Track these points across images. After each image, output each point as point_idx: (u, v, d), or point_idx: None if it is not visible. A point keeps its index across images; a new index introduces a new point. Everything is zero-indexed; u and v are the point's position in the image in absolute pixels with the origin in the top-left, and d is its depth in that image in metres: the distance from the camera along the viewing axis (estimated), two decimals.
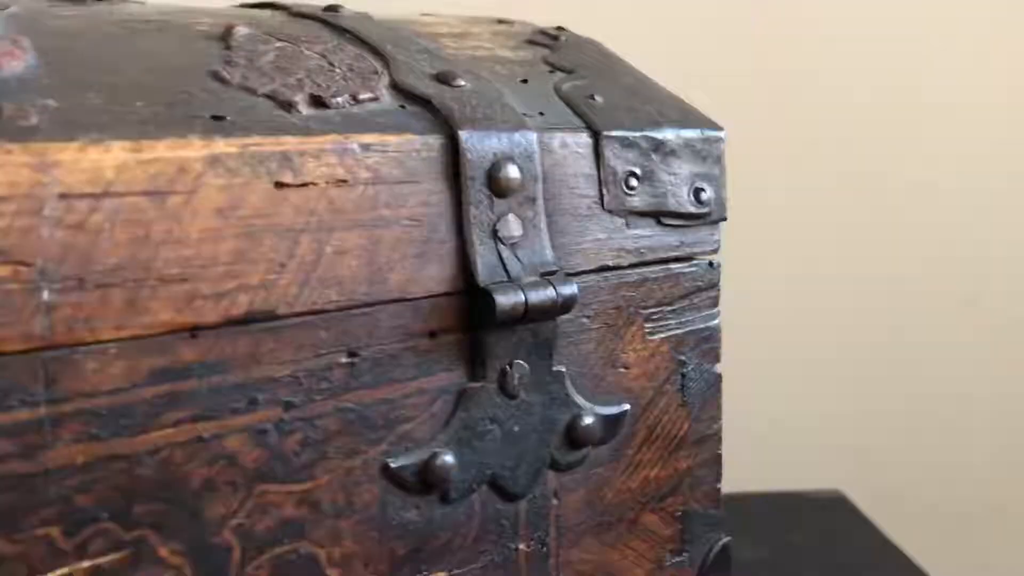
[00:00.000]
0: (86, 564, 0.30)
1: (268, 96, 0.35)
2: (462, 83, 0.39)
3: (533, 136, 0.38)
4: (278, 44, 0.39)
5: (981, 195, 1.00)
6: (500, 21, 0.52)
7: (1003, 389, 1.02)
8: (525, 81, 0.43)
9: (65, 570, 0.29)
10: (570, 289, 0.37)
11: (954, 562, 0.87)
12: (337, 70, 0.38)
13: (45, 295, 0.28)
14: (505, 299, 0.36)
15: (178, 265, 0.30)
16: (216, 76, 0.35)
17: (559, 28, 0.51)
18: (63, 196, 0.28)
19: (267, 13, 0.45)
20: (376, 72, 0.38)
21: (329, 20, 0.43)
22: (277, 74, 0.36)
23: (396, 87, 0.38)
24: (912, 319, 1.01)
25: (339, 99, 0.36)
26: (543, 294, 0.37)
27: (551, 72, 0.45)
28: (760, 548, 0.79)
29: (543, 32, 0.50)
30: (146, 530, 0.31)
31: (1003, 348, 1.02)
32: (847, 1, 0.96)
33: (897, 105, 0.98)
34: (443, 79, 0.39)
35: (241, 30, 0.39)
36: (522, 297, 0.36)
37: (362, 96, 0.36)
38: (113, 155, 0.29)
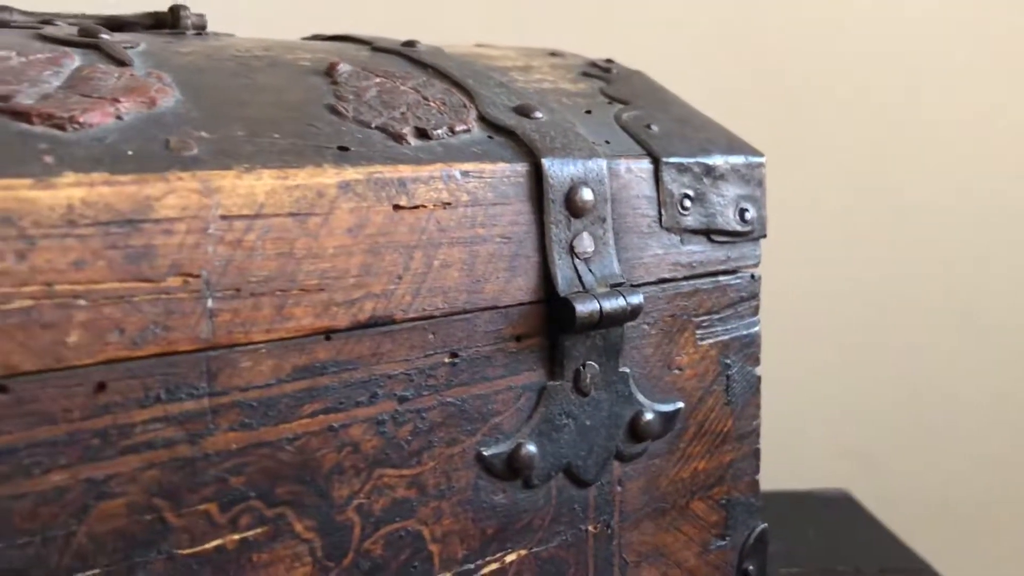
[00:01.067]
0: (236, 537, 0.34)
1: (380, 128, 0.39)
2: (539, 115, 0.44)
3: (604, 163, 0.43)
4: (377, 80, 0.43)
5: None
6: (553, 53, 0.57)
7: (1004, 390, 1.08)
8: (589, 112, 0.48)
9: (219, 541, 0.34)
10: (637, 299, 0.42)
11: (958, 559, 0.91)
12: (432, 104, 0.42)
13: (209, 303, 0.33)
14: (583, 307, 0.40)
15: (316, 277, 0.35)
16: (333, 110, 0.40)
17: (608, 60, 0.56)
18: (224, 217, 0.33)
19: (352, 47, 0.50)
20: (465, 106, 0.43)
21: (410, 55, 0.48)
22: (383, 108, 0.41)
23: (483, 119, 0.43)
24: (917, 322, 1.06)
25: (439, 131, 0.40)
26: (615, 303, 0.41)
27: (609, 103, 0.49)
28: (773, 543, 0.83)
29: (595, 64, 0.55)
30: (285, 508, 0.35)
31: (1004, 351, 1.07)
32: (873, 16, 1.01)
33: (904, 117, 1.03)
34: (523, 112, 0.44)
35: (343, 67, 0.43)
36: (597, 306, 0.41)
37: (458, 128, 0.41)
38: (263, 182, 0.34)
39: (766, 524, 0.52)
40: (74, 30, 0.42)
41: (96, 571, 0.31)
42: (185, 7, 0.50)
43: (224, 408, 0.33)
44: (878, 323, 1.06)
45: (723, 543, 0.50)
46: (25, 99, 0.33)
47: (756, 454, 0.51)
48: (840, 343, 1.06)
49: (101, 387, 0.31)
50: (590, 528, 0.44)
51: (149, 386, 0.32)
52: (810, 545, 0.85)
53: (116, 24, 0.48)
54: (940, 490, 1.07)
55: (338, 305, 0.36)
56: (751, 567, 0.51)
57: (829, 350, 1.06)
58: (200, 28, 0.50)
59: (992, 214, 1.06)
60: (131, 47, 0.40)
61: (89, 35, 0.41)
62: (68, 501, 0.31)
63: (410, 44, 0.50)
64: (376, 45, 0.50)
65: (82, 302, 0.30)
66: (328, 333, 0.36)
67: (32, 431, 0.30)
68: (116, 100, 0.34)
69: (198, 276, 0.32)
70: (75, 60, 0.37)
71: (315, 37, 0.58)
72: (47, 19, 0.47)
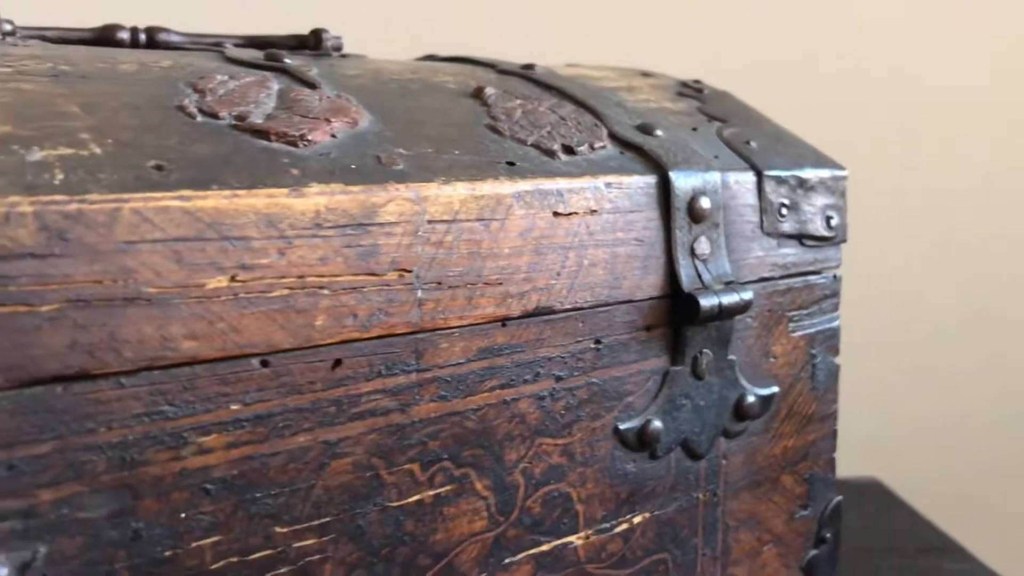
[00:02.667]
0: (431, 493, 0.40)
1: (534, 146, 0.45)
2: (660, 133, 0.50)
3: (718, 175, 0.49)
4: (518, 101, 0.49)
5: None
6: (645, 74, 0.63)
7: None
8: (695, 129, 0.54)
9: (419, 496, 0.40)
10: (748, 295, 0.49)
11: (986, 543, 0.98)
12: (569, 123, 0.48)
13: (419, 293, 0.39)
14: (706, 301, 0.47)
15: (496, 272, 0.41)
16: (493, 129, 0.46)
17: (696, 81, 0.63)
18: (430, 221, 0.39)
19: (479, 70, 0.56)
20: (596, 125, 0.49)
21: (532, 77, 0.54)
22: (532, 127, 0.47)
23: (613, 136, 0.49)
24: (936, 317, 1.13)
25: (582, 148, 0.46)
26: (732, 298, 0.48)
27: (709, 121, 0.56)
28: None
29: (686, 84, 0.61)
30: (469, 469, 0.41)
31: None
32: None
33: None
34: (645, 130, 0.50)
35: (490, 91, 0.49)
36: (717, 300, 0.47)
37: (596, 145, 0.47)
38: (458, 192, 0.40)
39: (841, 497, 0.58)
40: (258, 54, 0.48)
41: (328, 519, 0.37)
42: (325, 30, 0.56)
43: (427, 382, 0.39)
44: (905, 320, 1.12)
45: (805, 513, 0.56)
46: (256, 118, 0.39)
47: (834, 435, 0.57)
48: (870, 341, 1.12)
49: (338, 363, 0.37)
50: (700, 496, 0.50)
51: (373, 363, 0.38)
52: (847, 528, 0.91)
53: (266, 44, 0.54)
54: (962, 479, 1.14)
55: (512, 297, 0.42)
56: (828, 534, 0.57)
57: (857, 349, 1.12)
58: (337, 49, 0.56)
59: (1005, 206, 1.12)
60: (307, 70, 0.46)
61: (274, 59, 0.47)
62: (310, 459, 0.37)
63: (529, 67, 0.56)
64: (500, 68, 0.56)
65: (326, 292, 0.36)
66: (504, 321, 0.42)
67: (285, 399, 0.36)
68: (328, 120, 0.41)
69: (411, 271, 0.38)
70: (275, 83, 0.43)
71: (429, 57, 0.64)
72: (216, 41, 0.53)
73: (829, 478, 0.57)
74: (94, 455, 0.32)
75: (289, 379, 0.36)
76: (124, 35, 0.53)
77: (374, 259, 0.37)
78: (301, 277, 0.36)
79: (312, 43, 0.55)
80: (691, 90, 0.60)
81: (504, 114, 0.47)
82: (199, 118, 0.38)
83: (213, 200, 0.34)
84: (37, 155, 0.32)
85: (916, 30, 1.09)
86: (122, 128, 0.36)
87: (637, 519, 0.48)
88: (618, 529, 0.47)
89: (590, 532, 0.46)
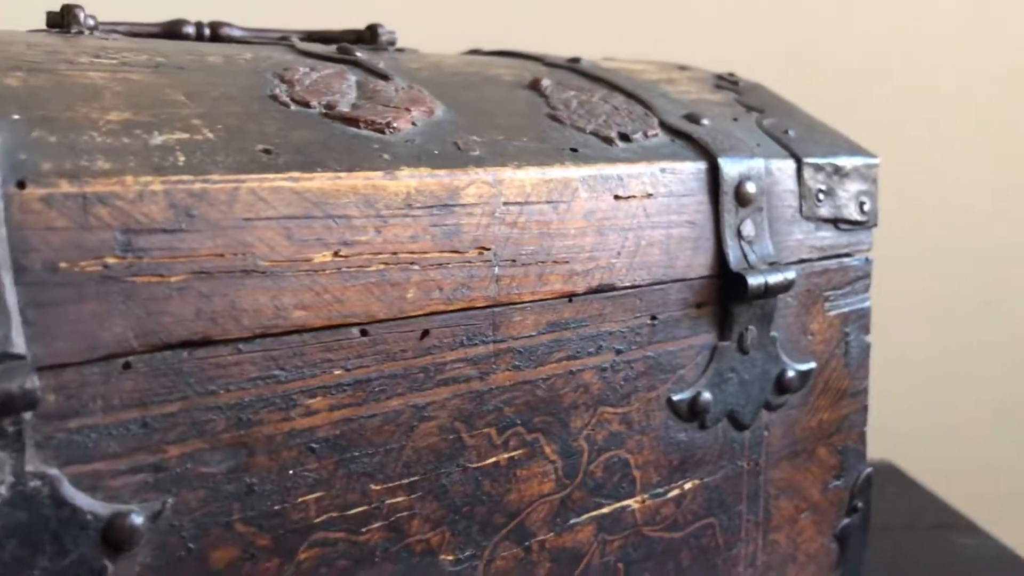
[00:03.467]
0: (506, 456, 0.43)
1: (593, 133, 0.48)
2: (706, 122, 0.53)
3: (762, 161, 0.52)
4: (572, 92, 0.52)
5: None
6: (682, 67, 0.66)
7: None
8: (736, 119, 0.57)
9: (495, 458, 0.43)
10: (791, 274, 0.52)
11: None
12: (622, 112, 0.51)
13: (496, 270, 0.42)
14: (753, 280, 0.50)
15: (564, 252, 0.44)
16: (554, 118, 0.49)
17: (731, 74, 0.65)
18: (505, 203, 0.42)
19: (528, 63, 0.58)
20: (647, 114, 0.52)
21: (579, 70, 0.57)
22: (589, 116, 0.50)
23: (664, 125, 0.52)
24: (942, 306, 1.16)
25: (636, 135, 0.49)
26: (777, 277, 0.51)
27: (747, 111, 0.58)
28: None
29: (721, 77, 0.64)
30: (539, 434, 0.44)
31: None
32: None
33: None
34: (692, 119, 0.53)
35: (546, 82, 0.52)
36: (763, 280, 0.50)
37: (649, 133, 0.50)
38: (530, 176, 0.43)
39: (871, 468, 0.61)
40: (328, 48, 0.50)
41: (416, 478, 0.40)
42: (381, 25, 0.59)
43: (503, 352, 0.42)
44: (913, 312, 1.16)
45: (838, 483, 0.59)
46: (343, 107, 0.42)
47: (865, 409, 0.60)
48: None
49: (426, 333, 0.40)
50: (744, 464, 0.53)
51: (456, 333, 0.41)
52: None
53: (325, 38, 0.57)
54: (971, 460, 1.17)
55: (577, 274, 0.45)
56: (859, 504, 0.60)
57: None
58: (391, 44, 0.58)
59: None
60: (377, 63, 0.49)
61: (346, 52, 0.50)
62: (401, 422, 0.40)
63: (575, 60, 0.59)
64: (546, 61, 0.59)
65: (416, 267, 0.39)
66: (570, 296, 0.45)
67: (381, 366, 0.39)
68: (408, 109, 0.43)
69: (489, 249, 0.41)
70: (351, 75, 0.46)
71: (474, 52, 0.67)
72: (282, 35, 0.55)
73: (860, 450, 0.60)
74: (214, 415, 0.35)
75: (384, 347, 0.39)
76: (190, 29, 0.56)
77: (457, 238, 0.40)
78: (395, 253, 0.39)
79: (368, 37, 0.58)
80: (727, 82, 0.63)
81: (562, 104, 0.50)
82: (292, 107, 0.41)
83: (318, 181, 0.37)
84: (159, 139, 0.35)
85: (929, 23, 1.12)
86: (226, 115, 0.38)
87: (688, 485, 0.51)
88: (671, 494, 0.50)
89: (646, 496, 0.49)
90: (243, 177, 0.35)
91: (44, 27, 0.49)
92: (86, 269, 0.31)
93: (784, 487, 0.56)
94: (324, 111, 0.41)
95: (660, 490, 0.49)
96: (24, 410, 0.30)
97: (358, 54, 0.49)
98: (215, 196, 0.34)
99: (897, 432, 1.16)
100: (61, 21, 0.48)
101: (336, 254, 0.37)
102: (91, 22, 0.50)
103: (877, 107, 1.10)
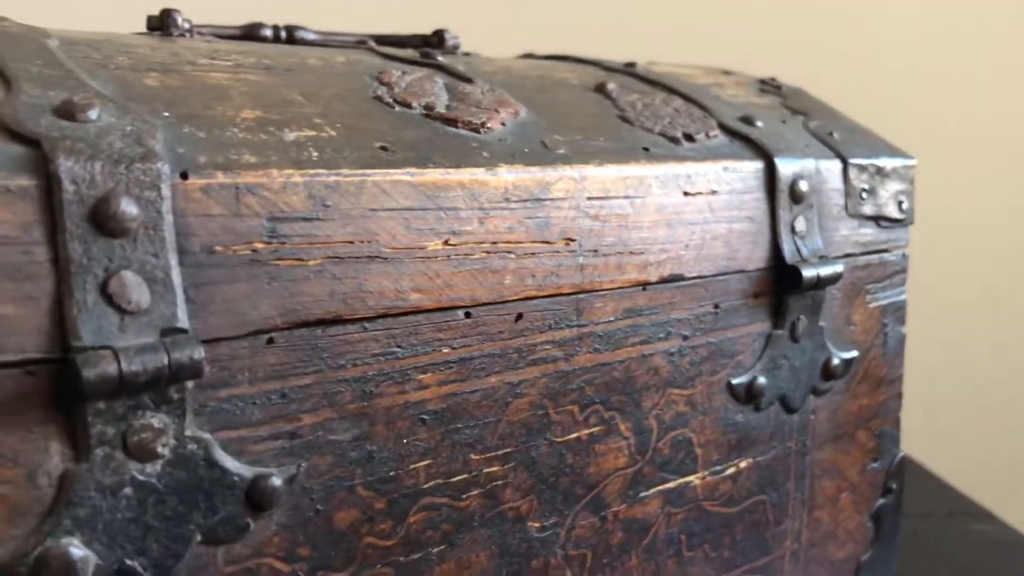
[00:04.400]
0: (586, 432, 0.47)
1: (661, 134, 0.52)
2: (760, 124, 0.56)
3: (813, 161, 0.56)
4: (635, 95, 0.56)
5: None
6: (726, 72, 0.70)
7: None
8: (784, 122, 0.60)
9: (577, 434, 0.46)
10: (840, 268, 0.55)
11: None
12: (683, 114, 0.55)
13: (580, 259, 0.45)
14: (807, 273, 0.53)
15: (639, 243, 0.47)
16: (623, 119, 0.52)
17: (772, 79, 0.69)
18: (589, 198, 0.45)
19: (588, 68, 0.62)
20: (705, 116, 0.56)
21: (635, 74, 0.61)
22: (655, 118, 0.53)
23: (722, 127, 0.55)
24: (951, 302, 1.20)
25: (700, 136, 0.53)
26: (827, 270, 0.54)
27: (793, 114, 0.62)
28: None
29: (764, 81, 0.68)
30: (615, 412, 0.48)
31: None
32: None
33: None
34: (747, 121, 0.56)
35: (611, 85, 0.56)
36: (816, 272, 0.54)
37: (711, 134, 0.54)
38: (609, 172, 0.46)
39: (905, 452, 0.65)
40: (411, 52, 0.54)
41: (509, 450, 0.44)
42: (447, 30, 0.62)
43: (585, 336, 0.46)
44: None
45: (875, 465, 0.63)
46: (440, 108, 0.45)
47: (900, 396, 0.64)
48: None
49: (520, 316, 0.43)
50: (793, 446, 0.57)
51: (545, 317, 0.44)
52: None
53: (397, 42, 0.60)
54: (984, 451, 1.21)
55: (651, 265, 0.48)
56: (894, 485, 0.64)
57: None
58: (456, 48, 0.62)
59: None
60: (457, 67, 0.52)
61: (429, 57, 0.53)
62: (498, 397, 0.43)
63: (631, 65, 0.63)
64: (604, 65, 0.62)
65: (512, 256, 0.43)
66: (644, 285, 0.48)
67: (482, 345, 0.42)
68: (496, 111, 0.47)
69: (575, 240, 0.45)
70: (438, 77, 0.50)
71: (528, 55, 0.70)
72: (359, 39, 0.59)
73: (895, 435, 0.64)
74: (342, 387, 0.38)
75: (484, 328, 0.42)
76: (267, 32, 0.59)
77: (547, 229, 0.44)
78: (495, 243, 0.42)
79: (435, 42, 0.61)
80: (771, 87, 0.67)
81: (628, 106, 0.54)
82: (396, 108, 0.44)
83: (431, 176, 0.40)
84: (291, 135, 0.38)
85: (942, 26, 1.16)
86: (341, 114, 0.42)
87: (743, 464, 0.54)
88: (728, 472, 0.54)
89: (706, 473, 0.52)
90: (368, 171, 0.38)
91: (144, 30, 0.52)
92: (238, 252, 0.35)
93: (827, 468, 0.59)
94: (424, 112, 0.45)
95: (718, 467, 0.53)
96: (190, 379, 0.33)
97: (439, 58, 0.53)
98: (346, 188, 0.37)
99: (911, 427, 1.21)
100: (160, 24, 0.51)
101: (446, 243, 0.40)
102: (187, 25, 0.53)
103: (890, 110, 1.14)
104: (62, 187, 0.31)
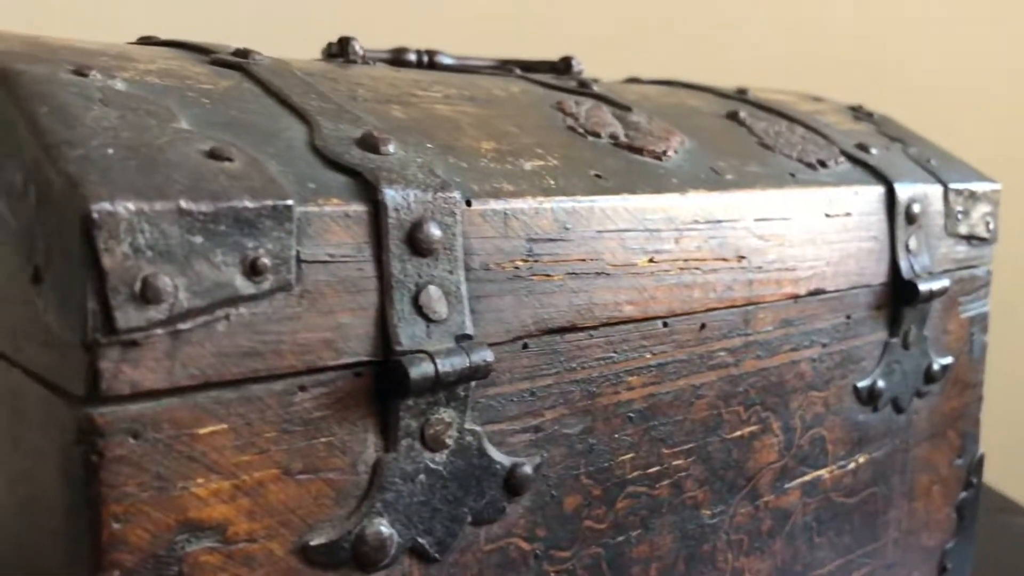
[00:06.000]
0: (748, 430, 0.52)
1: (799, 160, 0.57)
2: (874, 151, 0.62)
3: (923, 186, 0.62)
4: (763, 123, 0.61)
5: None
6: (816, 99, 0.76)
7: None
8: (887, 149, 0.66)
9: (741, 432, 0.52)
10: (947, 283, 0.61)
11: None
12: (809, 142, 0.61)
13: (749, 275, 0.51)
14: (923, 286, 0.59)
15: (792, 260, 0.53)
16: (763, 146, 0.58)
17: (860, 106, 0.75)
18: (756, 219, 0.51)
19: (703, 94, 0.67)
20: (828, 144, 0.61)
21: (750, 100, 0.66)
22: (789, 145, 0.59)
23: (843, 153, 0.61)
24: None
25: (830, 162, 0.59)
26: (937, 284, 0.60)
27: (891, 141, 0.68)
28: None
29: (853, 108, 0.74)
30: (770, 413, 0.53)
31: None
32: None
33: None
34: (863, 148, 0.62)
35: (743, 114, 0.61)
36: (929, 286, 0.60)
37: (838, 160, 0.59)
38: (770, 196, 0.52)
39: (984, 451, 0.71)
40: (572, 83, 0.59)
41: (691, 445, 0.49)
42: (573, 57, 0.67)
43: (750, 344, 0.51)
44: None
45: (960, 461, 0.69)
46: (623, 138, 0.51)
47: (981, 399, 0.70)
48: None
49: (703, 326, 0.49)
50: (899, 443, 0.63)
51: (721, 327, 0.50)
52: None
53: (529, 67, 0.65)
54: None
55: (801, 280, 0.54)
56: (974, 480, 0.70)
57: None
58: (580, 73, 0.67)
59: None
60: (609, 95, 0.58)
61: (585, 86, 0.58)
62: (684, 398, 0.48)
63: (743, 91, 0.68)
64: (716, 91, 0.68)
65: (699, 271, 0.48)
66: (796, 298, 0.54)
67: (675, 352, 0.47)
68: (667, 139, 0.52)
69: (745, 257, 0.50)
70: (605, 107, 0.55)
71: (633, 80, 0.75)
72: (499, 64, 0.64)
73: (976, 434, 0.70)
74: (573, 387, 0.43)
75: (677, 337, 0.47)
76: (411, 56, 0.64)
77: (725, 248, 0.49)
78: (686, 260, 0.47)
79: (562, 68, 0.66)
80: (862, 114, 0.73)
81: (764, 133, 0.59)
82: (589, 137, 0.49)
83: (638, 201, 0.45)
84: (528, 165, 0.43)
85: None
86: (552, 144, 0.47)
87: (861, 459, 0.60)
88: (850, 466, 0.59)
89: (834, 467, 0.58)
90: (594, 198, 0.43)
91: (319, 56, 0.57)
92: (505, 269, 0.40)
93: (924, 463, 0.65)
94: (611, 141, 0.50)
95: (843, 462, 0.59)
96: (479, 379, 0.38)
97: (595, 88, 0.58)
98: (580, 213, 0.43)
99: None
100: (341, 51, 0.56)
101: (650, 260, 0.46)
102: (361, 52, 0.58)
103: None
104: (387, 213, 0.36)
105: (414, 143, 0.41)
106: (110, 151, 0.31)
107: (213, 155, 0.33)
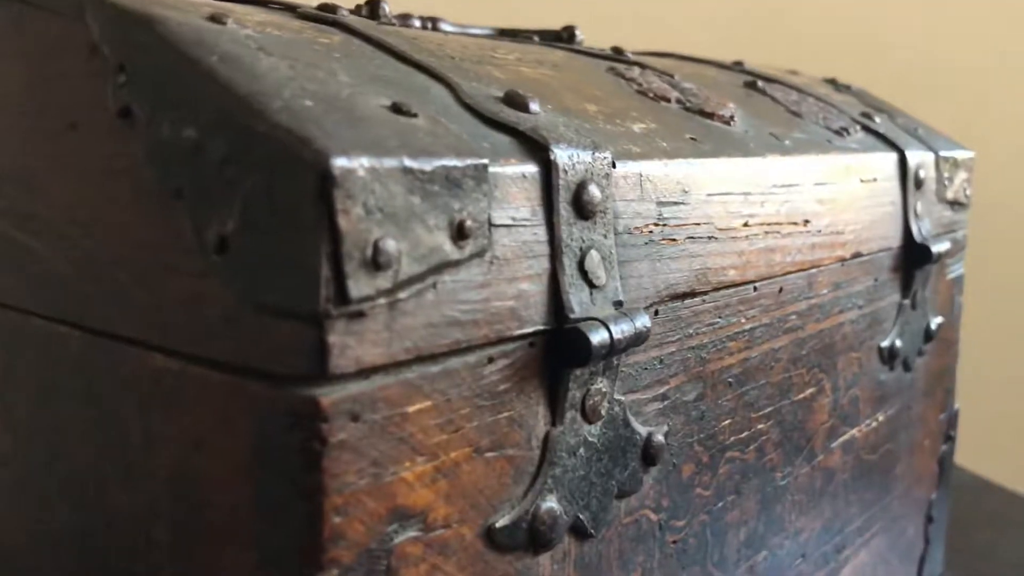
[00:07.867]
0: (809, 392, 0.53)
1: (826, 128, 0.59)
2: (878, 120, 0.64)
3: (930, 152, 0.64)
4: (779, 92, 0.62)
5: None
6: (792, 72, 0.78)
7: None
8: (877, 119, 0.69)
9: (803, 394, 0.52)
10: (949, 245, 0.64)
11: None
12: (826, 110, 0.62)
13: (812, 239, 0.51)
14: (935, 248, 0.62)
15: (841, 224, 0.54)
16: (797, 114, 0.59)
17: (834, 79, 0.78)
18: (815, 184, 0.52)
19: (699, 66, 0.68)
20: (840, 113, 0.63)
21: (746, 70, 0.67)
22: (811, 113, 0.60)
23: (855, 122, 0.63)
24: None
25: (852, 130, 0.60)
26: (944, 246, 0.63)
27: (877, 112, 0.71)
28: None
29: (833, 81, 0.76)
30: (824, 374, 0.54)
31: None
32: None
33: None
34: (868, 117, 0.64)
35: (760, 83, 0.62)
36: (939, 248, 0.62)
37: (857, 130, 0.61)
38: (823, 161, 0.53)
39: (959, 406, 0.75)
40: (606, 51, 0.58)
41: (770, 409, 0.49)
42: (576, 27, 0.66)
43: (813, 307, 0.52)
44: None
45: (942, 417, 0.73)
46: (688, 104, 0.50)
47: (957, 356, 0.74)
48: None
49: (781, 290, 0.49)
50: (906, 400, 0.66)
51: (792, 291, 0.50)
52: None
53: (528, 36, 0.64)
54: None
55: (848, 243, 0.55)
56: (952, 434, 0.74)
57: None
58: (581, 42, 0.66)
59: None
60: (657, 64, 0.57)
61: (620, 53, 0.57)
62: (767, 362, 0.48)
63: (739, 63, 0.69)
64: (715, 63, 0.69)
65: (778, 235, 0.48)
66: (843, 261, 0.55)
67: (761, 316, 0.48)
68: (726, 105, 0.52)
69: (808, 221, 0.51)
70: (653, 75, 0.54)
71: (652, 53, 0.75)
72: (493, 31, 0.62)
73: (953, 390, 0.74)
74: (690, 354, 0.43)
75: (763, 301, 0.48)
76: (416, 22, 0.61)
77: (793, 212, 0.50)
78: (769, 224, 0.47)
79: (565, 37, 0.65)
80: (841, 86, 0.75)
81: (791, 103, 0.60)
82: (661, 103, 0.49)
83: (734, 165, 0.45)
84: (636, 127, 0.42)
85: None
86: (638, 109, 0.46)
87: (881, 417, 0.62)
88: (873, 424, 0.61)
89: (863, 426, 0.60)
90: (704, 160, 0.43)
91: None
92: (643, 232, 0.39)
93: (919, 419, 0.69)
94: (680, 106, 0.49)
95: (869, 420, 0.61)
96: (639, 345, 0.37)
97: (629, 55, 0.57)
98: (695, 176, 0.42)
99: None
100: (371, 14, 0.53)
101: (745, 224, 0.45)
102: (390, 14, 0.55)
103: None
104: (558, 173, 0.34)
105: (540, 103, 0.39)
106: (308, 103, 0.28)
107: (397, 110, 0.31)
